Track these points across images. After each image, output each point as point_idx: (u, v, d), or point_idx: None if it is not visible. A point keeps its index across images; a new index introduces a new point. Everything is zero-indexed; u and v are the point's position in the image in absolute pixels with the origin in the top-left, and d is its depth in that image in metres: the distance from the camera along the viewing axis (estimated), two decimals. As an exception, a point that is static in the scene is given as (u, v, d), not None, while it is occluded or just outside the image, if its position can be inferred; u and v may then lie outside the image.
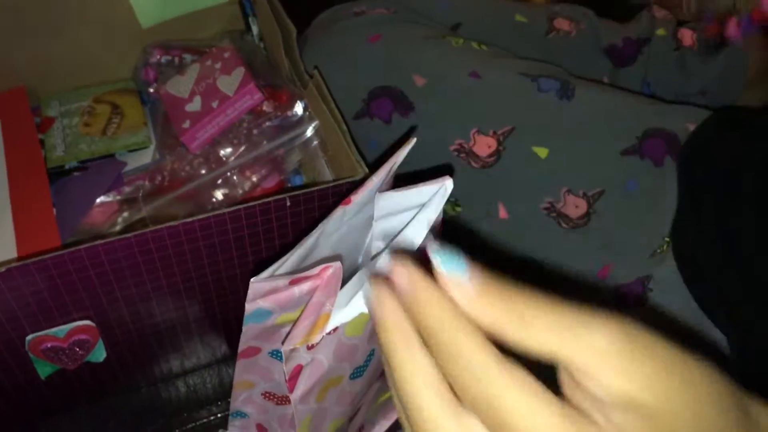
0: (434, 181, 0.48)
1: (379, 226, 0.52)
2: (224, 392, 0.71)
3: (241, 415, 0.64)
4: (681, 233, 0.65)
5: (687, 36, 0.85)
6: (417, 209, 0.49)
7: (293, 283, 0.47)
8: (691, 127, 0.70)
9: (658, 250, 0.66)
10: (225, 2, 0.86)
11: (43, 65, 0.84)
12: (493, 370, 0.27)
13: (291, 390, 0.50)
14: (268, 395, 0.60)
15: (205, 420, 0.70)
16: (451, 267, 0.28)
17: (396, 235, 0.48)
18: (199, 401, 0.71)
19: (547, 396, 0.26)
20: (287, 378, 0.49)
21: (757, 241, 0.56)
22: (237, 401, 0.62)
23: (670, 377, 0.27)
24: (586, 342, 0.26)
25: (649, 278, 0.65)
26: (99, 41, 0.84)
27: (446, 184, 0.48)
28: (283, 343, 0.48)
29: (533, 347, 0.27)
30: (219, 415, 0.70)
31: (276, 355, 0.55)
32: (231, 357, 0.73)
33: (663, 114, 0.71)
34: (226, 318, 0.66)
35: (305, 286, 0.48)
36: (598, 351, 0.26)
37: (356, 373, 0.55)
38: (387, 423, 0.67)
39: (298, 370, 0.49)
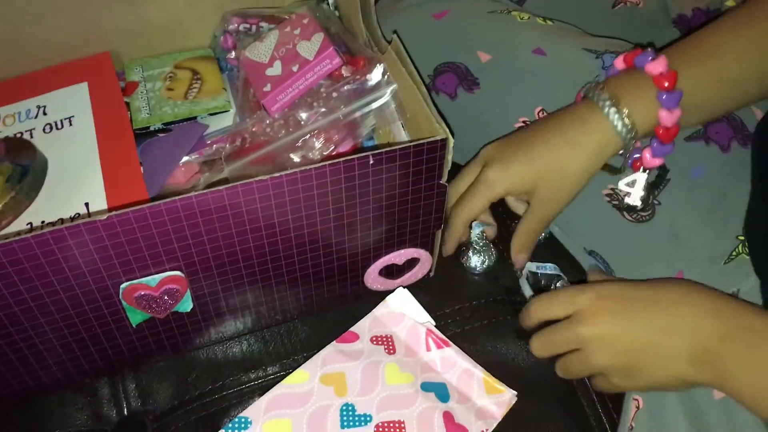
0: None
1: None
2: (301, 347, 0.73)
3: None
4: (754, 227, 0.61)
5: None
6: None
7: None
8: (756, 111, 0.68)
9: (733, 254, 0.63)
10: (302, -29, 0.88)
11: (125, 32, 0.86)
12: None
13: None
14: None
15: (282, 373, 0.72)
16: None
17: None
18: (278, 355, 0.73)
19: None
20: None
21: None
22: None
23: None
24: None
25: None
26: (179, 9, 0.86)
27: None
28: None
29: None
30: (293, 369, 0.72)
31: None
32: (306, 314, 0.75)
33: None
34: (305, 275, 0.68)
35: None
36: None
37: None
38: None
39: None
